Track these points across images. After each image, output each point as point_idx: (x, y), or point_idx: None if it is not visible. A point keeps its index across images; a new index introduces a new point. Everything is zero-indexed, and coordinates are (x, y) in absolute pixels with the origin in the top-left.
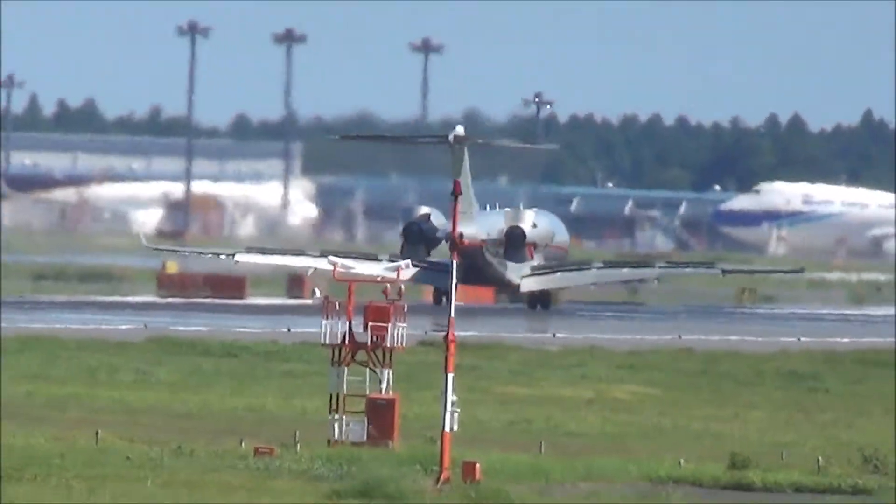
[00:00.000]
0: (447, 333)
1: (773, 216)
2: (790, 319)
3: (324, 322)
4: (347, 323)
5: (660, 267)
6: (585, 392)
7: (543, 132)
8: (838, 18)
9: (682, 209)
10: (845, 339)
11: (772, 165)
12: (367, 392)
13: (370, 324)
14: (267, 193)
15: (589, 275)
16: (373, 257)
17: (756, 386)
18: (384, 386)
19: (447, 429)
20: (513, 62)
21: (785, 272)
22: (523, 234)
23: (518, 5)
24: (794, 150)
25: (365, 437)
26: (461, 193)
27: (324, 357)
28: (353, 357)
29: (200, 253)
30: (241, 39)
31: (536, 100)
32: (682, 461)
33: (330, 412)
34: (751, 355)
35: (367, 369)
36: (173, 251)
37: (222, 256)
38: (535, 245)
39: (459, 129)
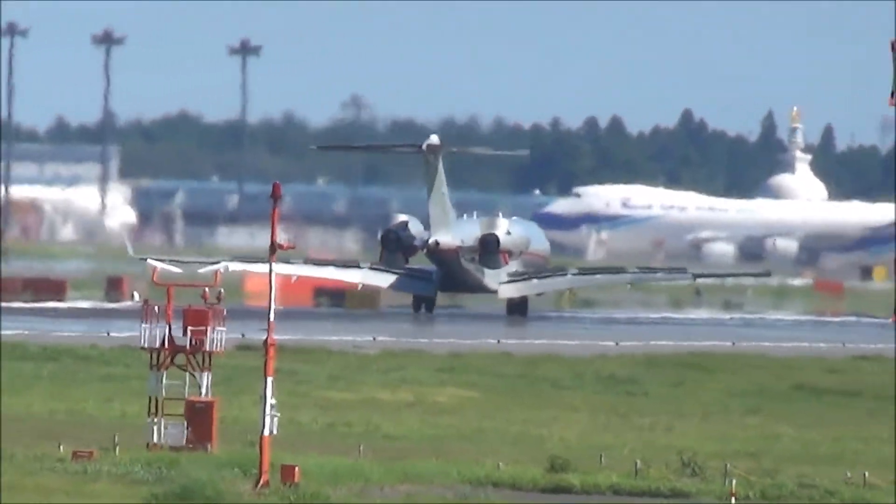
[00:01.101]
0: (266, 337)
1: (593, 219)
2: (610, 322)
3: (143, 325)
4: (167, 326)
5: (632, 273)
6: (405, 395)
7: (362, 135)
8: (655, 18)
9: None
10: (664, 343)
11: (591, 168)
12: (187, 396)
13: (189, 327)
14: (86, 197)
15: (564, 281)
16: (353, 264)
17: (575, 389)
18: (203, 389)
19: (266, 432)
20: (333, 64)
21: (753, 276)
22: (497, 241)
23: (338, 7)
24: (614, 153)
25: (184, 441)
26: (281, 196)
27: (144, 360)
28: (172, 360)
29: (189, 262)
30: (60, 40)
31: (356, 102)
32: (501, 464)
33: (149, 415)
34: (570, 359)
35: (187, 373)
36: (159, 260)
37: (219, 266)
38: (509, 252)
39: (434, 138)
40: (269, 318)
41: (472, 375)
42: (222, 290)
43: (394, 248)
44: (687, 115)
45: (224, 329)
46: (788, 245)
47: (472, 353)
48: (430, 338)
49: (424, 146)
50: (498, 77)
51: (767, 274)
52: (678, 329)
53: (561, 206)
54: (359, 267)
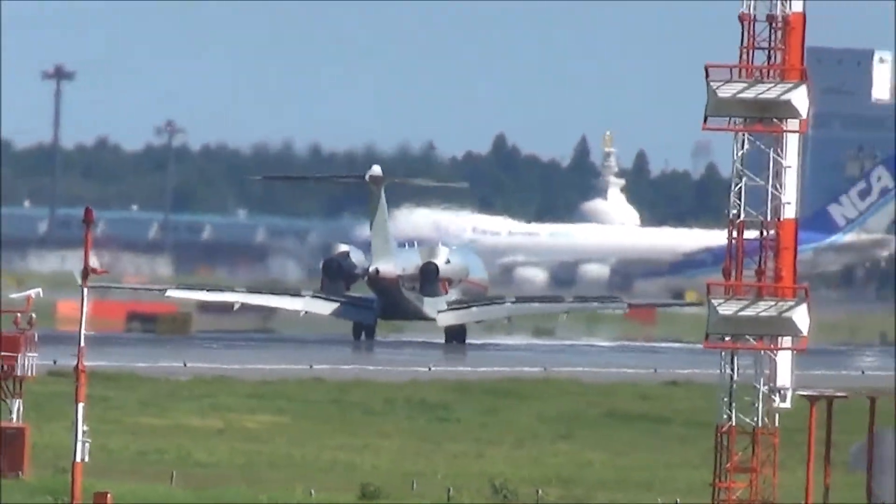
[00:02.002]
0: (77, 363)
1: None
2: (422, 348)
3: None
4: None
5: (568, 302)
6: (215, 422)
7: (175, 160)
8: (466, 42)
9: (313, 237)
10: (476, 369)
11: (403, 192)
12: None
13: (0, 353)
14: None
15: (503, 309)
16: (296, 293)
17: (387, 415)
18: (14, 416)
19: (78, 459)
20: (147, 89)
21: (686, 305)
22: (437, 270)
23: (152, 32)
24: (426, 177)
25: None
26: (93, 221)
27: None
28: None
29: (133, 288)
30: None
31: (169, 127)
32: (312, 491)
33: None
34: (382, 384)
35: None
36: (107, 287)
37: (155, 291)
38: (449, 280)
39: (376, 169)
40: (79, 344)
41: (283, 401)
42: (34, 316)
43: (335, 276)
44: (499, 140)
45: (35, 355)
46: (601, 270)
47: (283, 380)
48: (242, 363)
49: (367, 177)
50: (312, 103)
51: (700, 303)
52: (490, 355)
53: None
54: (300, 295)
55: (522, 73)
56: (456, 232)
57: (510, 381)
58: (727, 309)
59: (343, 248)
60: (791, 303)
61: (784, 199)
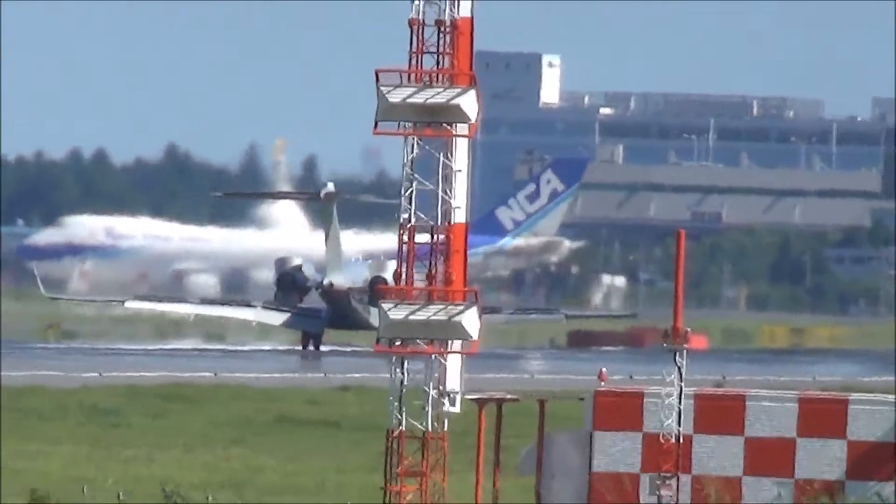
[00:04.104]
0: None
1: (77, 250)
2: (92, 354)
3: None
4: None
5: (507, 313)
6: None
7: None
8: (136, 47)
9: None
10: (148, 374)
11: (75, 199)
12: None
13: None
14: None
15: None
16: (246, 304)
17: (59, 421)
18: None
19: None
20: None
21: (617, 317)
22: (385, 283)
23: None
24: (98, 184)
25: None
26: None
27: None
28: None
29: (93, 300)
30: None
31: None
32: None
33: None
34: (53, 390)
35: None
36: (70, 300)
37: (113, 303)
38: None
39: (330, 187)
40: None
41: None
42: None
43: (289, 288)
44: (171, 147)
45: None
46: (271, 276)
47: None
48: None
49: (322, 194)
50: None
51: (634, 315)
52: (161, 360)
53: (45, 236)
54: (251, 306)
55: (192, 78)
56: (127, 237)
57: (181, 385)
58: (398, 313)
59: (297, 261)
60: (461, 307)
61: (454, 203)
